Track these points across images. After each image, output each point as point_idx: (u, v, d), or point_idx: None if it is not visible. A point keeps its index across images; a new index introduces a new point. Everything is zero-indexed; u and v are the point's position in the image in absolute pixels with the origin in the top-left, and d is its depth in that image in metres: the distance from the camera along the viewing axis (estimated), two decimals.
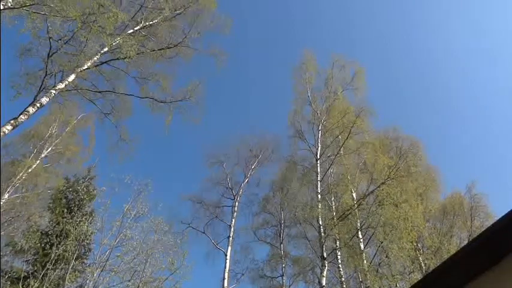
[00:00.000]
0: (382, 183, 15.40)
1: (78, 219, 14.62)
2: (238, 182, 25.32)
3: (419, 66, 45.58)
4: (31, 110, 11.45)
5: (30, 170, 18.93)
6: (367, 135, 18.28)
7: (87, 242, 15.17)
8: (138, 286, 13.51)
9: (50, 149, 20.95)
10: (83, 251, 16.02)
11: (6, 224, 17.48)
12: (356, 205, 15.65)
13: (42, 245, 15.00)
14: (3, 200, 17.54)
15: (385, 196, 14.86)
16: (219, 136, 38.86)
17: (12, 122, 10.86)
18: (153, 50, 15.96)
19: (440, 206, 20.91)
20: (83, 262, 16.02)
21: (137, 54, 14.50)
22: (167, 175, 37.37)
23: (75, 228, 14.18)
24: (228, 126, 40.94)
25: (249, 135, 27.22)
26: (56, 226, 15.48)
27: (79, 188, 17.52)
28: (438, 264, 5.10)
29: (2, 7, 10.68)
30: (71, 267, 13.50)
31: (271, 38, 44.14)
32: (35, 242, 14.99)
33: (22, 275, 13.31)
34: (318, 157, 18.23)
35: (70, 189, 18.12)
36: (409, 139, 20.79)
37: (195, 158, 39.21)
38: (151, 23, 16.25)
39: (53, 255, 13.59)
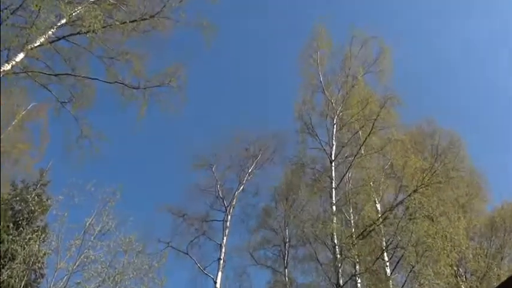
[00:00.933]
0: (414, 191, 15.33)
1: (28, 237, 14.20)
2: (231, 190, 25.15)
3: (459, 42, 45.28)
4: None
5: None
6: (394, 130, 18.22)
7: (39, 265, 14.75)
8: None
9: None
10: (34, 276, 15.88)
11: None
12: (381, 219, 15.61)
13: None
14: None
15: (417, 208, 14.78)
16: (207, 131, 38.80)
17: None
18: (124, 23, 15.63)
19: (488, 219, 20.78)
20: None
21: (103, 27, 14.25)
22: (141, 181, 37.05)
23: (24, 248, 13.79)
24: (219, 119, 40.58)
25: (245, 130, 26.77)
26: None
27: (29, 196, 17.29)
28: None
29: None
30: None
31: (275, 8, 43.76)
32: None
33: None
34: (333, 158, 18.22)
35: (17, 199, 17.93)
36: (448, 135, 20.73)
37: (177, 158, 38.79)
38: None
39: None
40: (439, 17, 44.62)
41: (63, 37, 14.33)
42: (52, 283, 13.43)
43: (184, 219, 23.92)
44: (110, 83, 15.73)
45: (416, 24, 45.24)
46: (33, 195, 17.21)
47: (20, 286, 13.30)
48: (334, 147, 18.70)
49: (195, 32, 17.58)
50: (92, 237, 14.37)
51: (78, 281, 13.54)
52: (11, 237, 14.54)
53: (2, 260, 14.14)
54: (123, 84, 15.87)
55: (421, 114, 23.20)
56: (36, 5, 12.09)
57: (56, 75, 14.66)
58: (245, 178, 25.42)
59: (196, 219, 23.96)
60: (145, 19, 16.10)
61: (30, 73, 13.86)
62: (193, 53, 19.18)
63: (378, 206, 16.98)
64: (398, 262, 15.22)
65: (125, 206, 16.39)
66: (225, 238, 22.29)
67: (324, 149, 18.89)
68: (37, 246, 14.11)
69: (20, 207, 17.37)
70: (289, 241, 22.84)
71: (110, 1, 15.50)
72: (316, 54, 21.95)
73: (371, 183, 17.03)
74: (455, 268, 16.16)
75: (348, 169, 18.10)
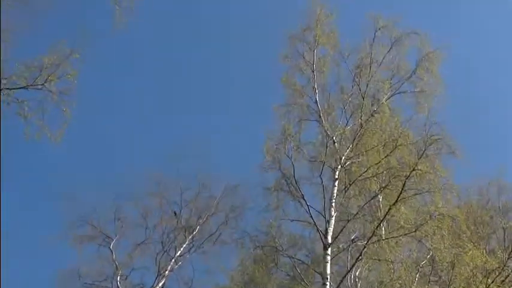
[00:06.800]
0: None
1: None
2: (143, 285, 22.30)
3: None
4: None
5: None
6: (440, 197, 15.29)
7: None
8: None
9: None
10: None
11: None
12: None
13: None
14: None
15: None
16: (107, 177, 33.63)
17: None
18: None
19: None
20: None
21: None
22: None
23: None
24: (129, 157, 35.50)
25: (174, 181, 23.63)
26: None
27: None
28: None
29: None
30: None
31: None
32: None
33: None
34: (330, 240, 15.28)
35: None
36: None
37: (49, 223, 33.27)
38: None
39: None
40: None
41: None
42: None
43: None
44: None
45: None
46: None
47: None
48: (332, 221, 15.38)
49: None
50: None
51: None
52: None
53: None
54: None
55: (488, 172, 20.90)
56: None
57: None
58: (169, 266, 21.60)
59: None
60: None
61: None
62: (95, 36, 16.07)
63: None
64: None
65: None
66: None
67: (315, 224, 15.43)
68: None
69: None
70: None
71: None
72: (310, 53, 18.12)
73: None
74: None
75: (356, 262, 15.80)
